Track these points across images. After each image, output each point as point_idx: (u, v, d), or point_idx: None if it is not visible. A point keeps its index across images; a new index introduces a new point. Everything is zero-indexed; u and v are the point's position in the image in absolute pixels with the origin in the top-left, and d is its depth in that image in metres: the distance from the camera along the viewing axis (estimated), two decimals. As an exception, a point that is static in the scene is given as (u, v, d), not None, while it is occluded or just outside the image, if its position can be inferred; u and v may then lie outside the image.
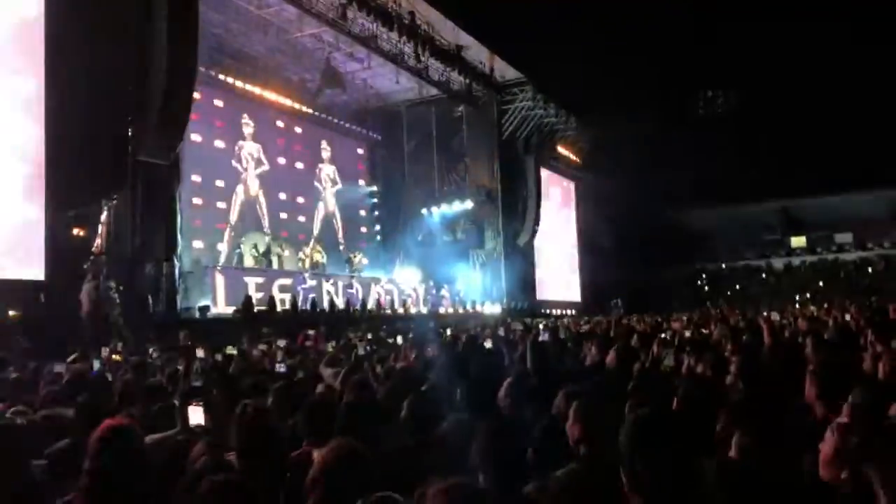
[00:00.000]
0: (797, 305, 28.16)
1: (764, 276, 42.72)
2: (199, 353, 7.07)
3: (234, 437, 3.09)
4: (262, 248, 22.50)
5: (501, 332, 10.14)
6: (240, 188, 23.46)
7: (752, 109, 41.30)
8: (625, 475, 1.83)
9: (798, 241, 43.77)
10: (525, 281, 30.43)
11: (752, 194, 40.40)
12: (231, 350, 7.59)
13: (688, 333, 8.96)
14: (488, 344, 8.19)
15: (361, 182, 30.18)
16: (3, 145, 12.67)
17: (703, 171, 38.44)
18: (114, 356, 9.04)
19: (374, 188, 30.56)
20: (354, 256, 25.97)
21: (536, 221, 30.95)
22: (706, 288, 42.91)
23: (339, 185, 28.18)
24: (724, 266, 44.73)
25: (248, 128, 23.88)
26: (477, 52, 26.70)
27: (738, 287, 42.18)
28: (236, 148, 23.52)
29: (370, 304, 22.59)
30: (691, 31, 37.44)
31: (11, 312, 12.13)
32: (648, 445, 1.82)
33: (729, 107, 44.14)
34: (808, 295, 36.98)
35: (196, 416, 3.62)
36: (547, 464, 3.13)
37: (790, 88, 37.90)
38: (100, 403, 4.39)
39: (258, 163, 24.13)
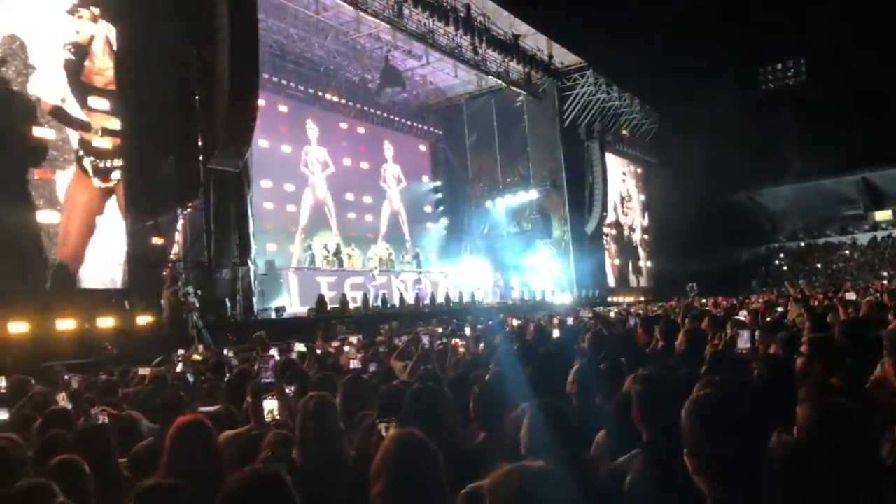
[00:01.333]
0: (884, 282, 26.86)
1: (847, 252, 40.87)
2: (273, 351, 7.26)
3: (296, 428, 3.21)
4: (332, 249, 22.95)
5: (570, 321, 10.05)
6: (308, 191, 23.98)
7: (824, 78, 39.54)
8: (688, 458, 1.78)
9: (883, 215, 41.68)
10: (595, 268, 30.05)
11: (830, 167, 38.64)
12: (300, 347, 7.77)
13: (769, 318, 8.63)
14: (556, 333, 8.12)
15: (425, 178, 30.37)
16: (84, 160, 13.29)
17: (775, 147, 37.10)
18: (194, 357, 9.39)
19: (438, 183, 30.71)
20: (405, 254, 26.10)
21: (604, 208, 30.52)
22: (784, 267, 41.37)
23: (404, 184, 28.44)
24: (802, 244, 43.05)
25: (312, 132, 24.37)
26: (534, 40, 26.50)
27: (819, 265, 40.51)
28: (303, 153, 24.04)
29: (440, 299, 22.72)
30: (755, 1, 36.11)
31: (102, 322, 12.69)
32: (712, 426, 1.77)
33: (799, 77, 42.44)
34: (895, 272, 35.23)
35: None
36: (619, 447, 3.12)
37: (862, 51, 36.03)
38: (179, 403, 4.59)
39: (324, 166, 24.60)
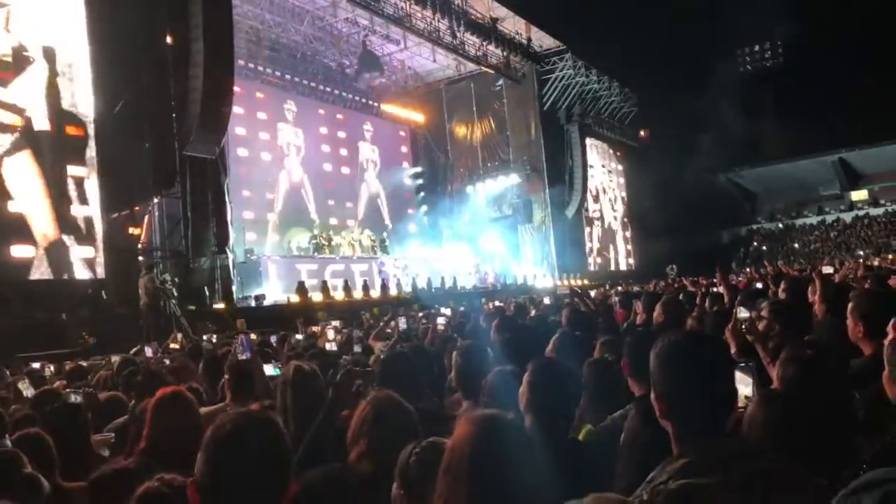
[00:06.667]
0: (860, 261, 27.17)
1: (825, 232, 41.33)
2: (252, 336, 7.21)
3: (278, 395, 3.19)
4: (310, 242, 22.70)
5: (547, 300, 10.07)
6: (283, 176, 23.69)
7: (800, 59, 39.80)
8: (655, 402, 1.75)
9: (859, 195, 42.13)
10: (576, 252, 30.16)
11: (807, 148, 39.00)
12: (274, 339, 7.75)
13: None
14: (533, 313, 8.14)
15: (405, 164, 30.25)
16: (60, 150, 13.06)
17: (753, 129, 37.32)
18: (172, 345, 9.31)
19: (418, 169, 30.59)
20: (374, 241, 25.53)
21: (584, 192, 30.60)
22: (763, 248, 41.77)
23: (380, 166, 28.22)
24: (781, 225, 43.46)
25: (289, 113, 24.06)
26: (513, 24, 26.38)
27: (796, 245, 40.96)
28: (278, 132, 23.71)
29: (421, 284, 22.67)
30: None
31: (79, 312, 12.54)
32: (678, 368, 1.72)
33: (776, 59, 42.71)
34: (872, 251, 35.65)
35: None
36: (601, 409, 3.13)
37: (837, 32, 36.24)
38: (154, 383, 4.53)
39: (299, 149, 24.29)
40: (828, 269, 7.02)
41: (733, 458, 1.50)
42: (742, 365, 2.14)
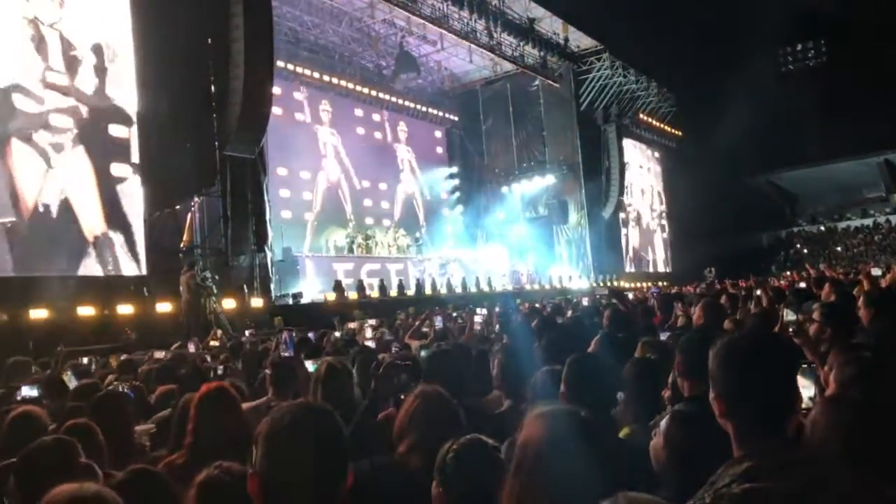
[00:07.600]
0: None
1: (869, 235, 40.29)
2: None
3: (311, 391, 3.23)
4: (344, 242, 22.86)
5: (585, 301, 9.99)
6: (321, 176, 23.93)
7: (844, 59, 38.83)
8: (714, 401, 1.72)
9: (905, 197, 41.02)
10: (613, 254, 29.88)
11: (850, 149, 38.07)
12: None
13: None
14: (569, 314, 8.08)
15: (441, 164, 30.27)
16: (107, 148, 13.38)
17: (795, 129, 36.57)
18: (212, 342, 9.47)
19: (454, 169, 30.58)
20: (407, 240, 25.59)
21: (621, 192, 30.27)
22: (805, 251, 40.89)
23: (416, 167, 28.32)
24: (822, 228, 42.49)
25: (325, 114, 24.29)
26: (550, 24, 26.24)
27: (839, 249, 40.01)
28: (316, 133, 23.96)
29: (456, 284, 22.67)
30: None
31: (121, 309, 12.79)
32: (738, 367, 1.68)
33: (819, 59, 41.78)
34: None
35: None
36: (641, 409, 3.10)
37: (883, 32, 35.25)
38: (198, 377, 4.62)
39: (337, 149, 24.52)
40: (876, 272, 6.86)
41: (797, 463, 1.47)
42: (804, 366, 2.10)
